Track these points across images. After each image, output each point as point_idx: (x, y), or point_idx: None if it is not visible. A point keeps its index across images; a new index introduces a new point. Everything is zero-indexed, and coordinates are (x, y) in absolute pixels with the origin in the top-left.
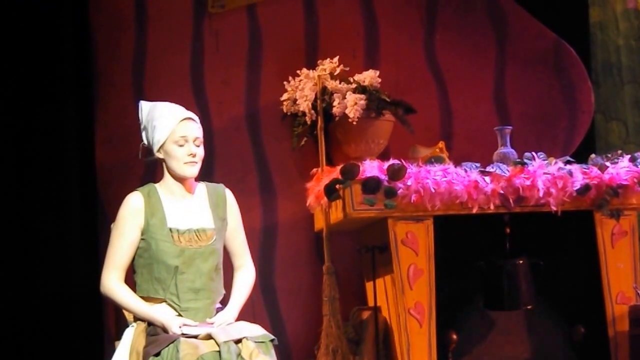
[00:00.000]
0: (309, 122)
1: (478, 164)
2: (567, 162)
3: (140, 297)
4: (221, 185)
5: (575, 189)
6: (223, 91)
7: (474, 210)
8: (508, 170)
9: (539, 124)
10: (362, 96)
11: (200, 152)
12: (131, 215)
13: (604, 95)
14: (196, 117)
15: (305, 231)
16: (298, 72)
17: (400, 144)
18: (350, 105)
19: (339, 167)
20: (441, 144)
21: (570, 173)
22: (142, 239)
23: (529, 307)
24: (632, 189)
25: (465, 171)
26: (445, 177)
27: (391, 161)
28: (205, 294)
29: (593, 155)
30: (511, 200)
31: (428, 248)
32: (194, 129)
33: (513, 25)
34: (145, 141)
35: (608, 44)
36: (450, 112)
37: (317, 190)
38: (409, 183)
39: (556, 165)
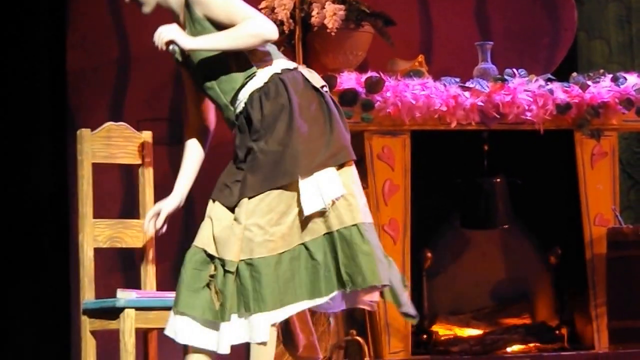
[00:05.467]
0: (286, 32)
1: (458, 79)
2: (548, 80)
3: None
4: None
5: (555, 107)
6: None
7: (452, 126)
8: (488, 86)
9: (521, 40)
10: (342, 6)
11: None
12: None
13: (587, 13)
14: None
15: None
16: None
17: (379, 56)
18: (329, 15)
19: None
20: (420, 58)
21: (551, 91)
22: None
23: (505, 226)
24: (614, 109)
25: (445, 86)
26: (424, 91)
27: (369, 74)
28: (216, 94)
29: (575, 74)
30: (490, 116)
31: (404, 163)
32: None
33: None
34: None
35: None
36: (431, 25)
37: None
38: (387, 96)
39: (537, 83)
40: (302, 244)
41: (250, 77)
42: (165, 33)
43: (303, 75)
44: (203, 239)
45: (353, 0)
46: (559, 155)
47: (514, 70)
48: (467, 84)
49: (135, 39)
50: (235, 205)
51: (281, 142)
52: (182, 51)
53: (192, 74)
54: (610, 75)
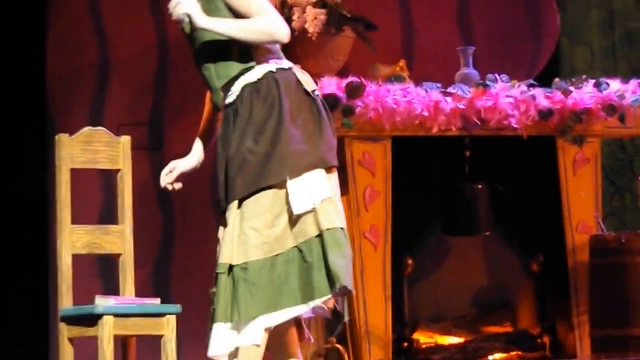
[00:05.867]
0: None
1: (439, 84)
2: (531, 86)
3: None
4: None
5: (537, 113)
6: None
7: (434, 131)
8: (470, 92)
9: (503, 45)
10: (322, 11)
11: None
12: None
13: (570, 18)
14: None
15: None
16: None
17: (360, 61)
18: (310, 19)
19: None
20: (402, 63)
21: (533, 97)
22: None
23: (487, 233)
24: (596, 115)
25: (426, 91)
26: (405, 96)
27: (350, 78)
28: (211, 81)
29: (557, 80)
30: (472, 122)
31: (385, 169)
32: None
33: None
34: None
35: None
36: (413, 30)
37: None
38: (367, 101)
39: (519, 89)
40: (296, 246)
41: (248, 69)
42: (184, 4)
43: (296, 77)
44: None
45: (334, 4)
46: (541, 162)
47: (496, 75)
48: (449, 89)
49: (115, 43)
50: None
51: (270, 143)
52: (192, 26)
53: (193, 50)
54: (593, 81)
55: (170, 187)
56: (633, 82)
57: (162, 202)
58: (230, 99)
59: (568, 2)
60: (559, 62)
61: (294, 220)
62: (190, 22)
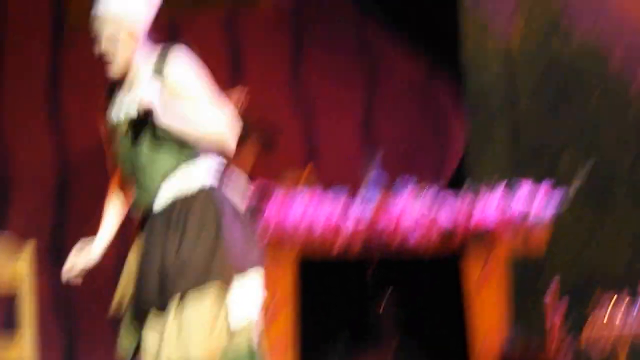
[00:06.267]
0: None
1: (346, 189)
2: (437, 194)
3: None
4: (170, 46)
5: (442, 232)
6: (82, 114)
7: (339, 250)
8: (375, 200)
9: (410, 153)
10: None
11: (114, 47)
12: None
13: (476, 127)
14: (116, 9)
15: None
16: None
17: (267, 168)
18: None
19: None
20: (308, 170)
21: (438, 215)
22: None
23: (393, 348)
24: (501, 233)
25: (332, 198)
26: (311, 203)
27: (256, 184)
28: (142, 184)
29: (463, 189)
30: (376, 244)
31: (290, 285)
32: (104, 26)
33: (385, 51)
34: None
35: (482, 74)
36: (319, 137)
37: None
38: (272, 211)
39: (424, 201)
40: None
41: (182, 171)
42: (148, 95)
43: (229, 181)
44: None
45: (240, 111)
46: (446, 279)
47: (403, 180)
48: (355, 197)
49: (17, 158)
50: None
51: (212, 244)
52: (141, 114)
53: (124, 145)
54: (499, 190)
55: (72, 281)
56: (541, 192)
57: (64, 315)
58: (159, 204)
59: (474, 110)
60: (465, 174)
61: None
62: (143, 115)
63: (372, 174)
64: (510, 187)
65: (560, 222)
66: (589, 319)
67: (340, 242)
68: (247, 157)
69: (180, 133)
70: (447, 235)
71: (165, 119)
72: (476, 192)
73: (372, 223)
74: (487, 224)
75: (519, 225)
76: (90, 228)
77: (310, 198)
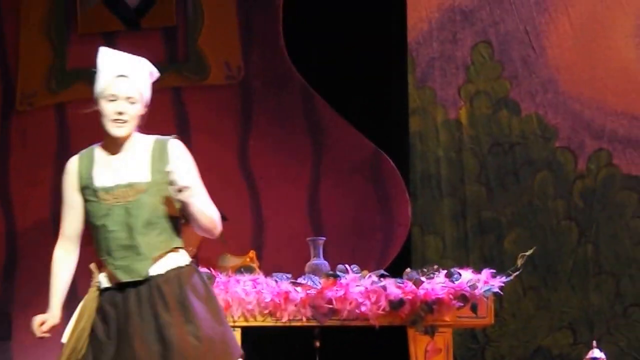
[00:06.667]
0: None
1: (289, 275)
2: (382, 276)
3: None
4: (168, 138)
5: (388, 303)
6: (29, 191)
7: (283, 321)
8: (320, 283)
9: (354, 235)
10: None
11: (132, 110)
12: (67, 181)
13: (422, 208)
14: (138, 72)
15: None
16: None
17: (210, 252)
18: None
19: None
20: (252, 254)
21: (384, 287)
22: (84, 203)
23: None
24: (448, 305)
25: (276, 282)
26: (255, 287)
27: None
28: (137, 250)
29: (408, 270)
30: (322, 312)
31: None
32: (128, 87)
33: (331, 133)
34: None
35: (428, 155)
36: (262, 220)
37: None
38: (217, 291)
39: (370, 279)
40: None
41: (176, 248)
42: (184, 178)
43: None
44: None
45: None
46: (393, 351)
47: (347, 266)
48: (299, 280)
49: None
50: None
51: (213, 326)
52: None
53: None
54: (445, 271)
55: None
56: (485, 272)
57: None
58: (155, 270)
59: (419, 192)
60: (411, 252)
61: None
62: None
63: (316, 260)
64: (457, 265)
65: (507, 294)
66: None
67: (289, 309)
68: (193, 242)
69: (198, 213)
70: (396, 304)
71: (189, 196)
72: (422, 273)
73: (322, 291)
74: (433, 294)
75: (465, 296)
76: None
77: (254, 282)
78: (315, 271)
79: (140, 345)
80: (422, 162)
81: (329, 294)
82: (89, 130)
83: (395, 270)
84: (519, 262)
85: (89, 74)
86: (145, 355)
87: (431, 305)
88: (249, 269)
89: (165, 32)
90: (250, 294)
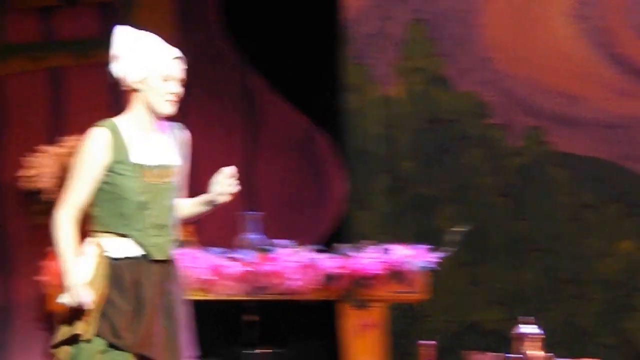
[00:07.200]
0: (49, 200)
1: (224, 250)
2: (316, 251)
3: (102, 231)
4: (180, 125)
5: (322, 278)
6: None
7: (217, 296)
8: (254, 257)
9: (289, 210)
10: None
11: (181, 91)
12: (97, 151)
13: (356, 184)
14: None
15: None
16: (40, 148)
17: None
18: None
19: None
20: (189, 228)
21: (319, 262)
22: (106, 175)
23: None
24: (381, 280)
25: (211, 256)
26: (191, 261)
27: None
28: (167, 230)
29: (343, 245)
30: (256, 287)
31: None
32: (181, 70)
33: (267, 109)
34: (118, 69)
35: (363, 131)
36: (197, 195)
37: (52, 269)
38: None
39: (304, 254)
40: None
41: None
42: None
43: None
44: None
45: None
46: (325, 326)
47: (281, 241)
48: (234, 255)
49: None
50: None
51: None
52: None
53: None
54: (379, 247)
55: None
56: (419, 248)
57: None
58: (167, 252)
59: (354, 167)
60: (345, 227)
61: None
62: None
63: (251, 235)
64: (391, 240)
65: (441, 269)
66: None
67: (224, 284)
68: None
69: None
70: (330, 278)
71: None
72: (356, 249)
73: (256, 265)
74: (367, 269)
75: (399, 271)
76: None
77: (189, 256)
78: (250, 246)
79: (155, 316)
80: (357, 138)
81: (264, 268)
82: (27, 104)
83: (329, 246)
84: (453, 238)
85: (25, 48)
86: (157, 327)
87: (365, 281)
88: (186, 243)
89: (101, 8)
90: (186, 269)
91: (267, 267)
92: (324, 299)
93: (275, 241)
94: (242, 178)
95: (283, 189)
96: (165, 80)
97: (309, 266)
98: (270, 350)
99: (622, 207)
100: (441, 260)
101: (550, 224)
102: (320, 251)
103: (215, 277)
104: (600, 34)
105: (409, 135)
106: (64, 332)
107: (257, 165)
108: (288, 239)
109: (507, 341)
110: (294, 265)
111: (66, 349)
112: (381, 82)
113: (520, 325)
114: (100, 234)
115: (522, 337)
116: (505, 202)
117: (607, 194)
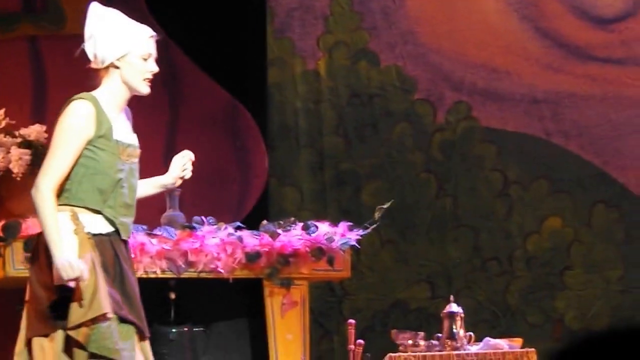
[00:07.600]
0: None
1: (145, 227)
2: (238, 228)
3: (75, 206)
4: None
5: (245, 255)
6: None
7: (139, 273)
8: (175, 234)
9: (211, 187)
10: (27, 151)
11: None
12: (82, 124)
13: (278, 159)
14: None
15: None
16: None
17: None
18: (15, 159)
19: (0, 224)
20: None
21: (241, 239)
22: (87, 149)
23: None
24: (304, 258)
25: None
26: None
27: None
28: (132, 210)
29: (265, 222)
30: (178, 264)
31: None
32: (156, 48)
33: (187, 83)
34: (96, 46)
35: (286, 106)
36: None
37: None
38: None
39: (226, 231)
40: None
41: None
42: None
43: None
44: None
45: (39, 145)
46: (249, 304)
47: (203, 218)
48: (154, 232)
49: None
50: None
51: None
52: None
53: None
54: (302, 224)
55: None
56: (342, 225)
57: None
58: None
59: (277, 143)
60: (268, 204)
61: None
62: None
63: (171, 212)
64: (315, 217)
65: (365, 247)
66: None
67: (144, 261)
68: None
69: None
70: (252, 256)
71: None
72: (278, 226)
73: (177, 242)
74: (290, 247)
75: (322, 249)
76: None
77: None
78: (171, 222)
79: (135, 291)
80: (280, 113)
81: (185, 245)
82: None
83: (252, 223)
84: (377, 214)
85: None
86: (138, 302)
87: (287, 258)
88: None
89: None
90: None
91: (188, 244)
92: (246, 277)
93: (196, 218)
94: (164, 153)
95: (205, 165)
96: (145, 59)
97: (231, 243)
98: (194, 329)
99: (549, 183)
100: (365, 238)
101: (476, 201)
102: (242, 228)
103: (137, 254)
104: (527, 7)
105: (332, 110)
106: (78, 314)
107: (178, 140)
108: (209, 215)
109: (432, 319)
110: (216, 242)
111: (84, 331)
112: (304, 56)
113: (450, 304)
114: (73, 208)
115: (448, 315)
116: (430, 178)
117: (534, 170)
